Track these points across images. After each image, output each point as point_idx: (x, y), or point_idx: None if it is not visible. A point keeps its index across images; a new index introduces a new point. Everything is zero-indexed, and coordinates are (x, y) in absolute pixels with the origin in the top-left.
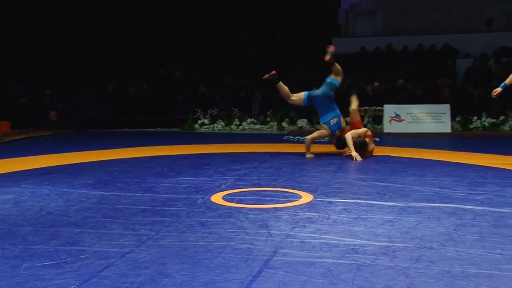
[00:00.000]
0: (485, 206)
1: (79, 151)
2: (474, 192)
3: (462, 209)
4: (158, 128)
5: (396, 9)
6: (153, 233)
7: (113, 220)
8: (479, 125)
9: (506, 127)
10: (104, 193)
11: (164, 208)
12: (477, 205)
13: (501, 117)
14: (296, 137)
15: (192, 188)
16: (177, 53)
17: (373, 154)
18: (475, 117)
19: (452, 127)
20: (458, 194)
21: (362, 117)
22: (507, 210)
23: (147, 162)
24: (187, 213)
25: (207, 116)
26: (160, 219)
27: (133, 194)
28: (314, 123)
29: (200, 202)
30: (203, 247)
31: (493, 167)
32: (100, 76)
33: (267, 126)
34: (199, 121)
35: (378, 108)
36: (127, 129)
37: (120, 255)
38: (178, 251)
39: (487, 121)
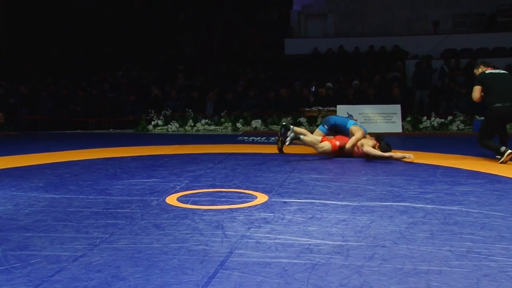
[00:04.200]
0: (435, 204)
1: (28, 153)
2: (424, 191)
3: (414, 207)
4: (111, 130)
5: (346, 12)
6: (107, 236)
7: (65, 223)
8: (428, 125)
9: (454, 127)
10: (55, 196)
11: (118, 210)
12: (428, 204)
13: (449, 117)
14: (251, 138)
15: (146, 190)
16: (124, 54)
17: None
18: (425, 117)
19: (402, 127)
20: (410, 193)
21: (316, 118)
22: (456, 207)
23: (100, 164)
24: (141, 215)
25: (160, 117)
26: (114, 221)
27: (86, 196)
28: (268, 123)
29: (154, 204)
30: (157, 249)
31: (442, 166)
32: (53, 78)
33: (221, 127)
34: (153, 122)
35: (331, 108)
36: (78, 131)
37: (72, 259)
38: (132, 253)
39: (436, 121)
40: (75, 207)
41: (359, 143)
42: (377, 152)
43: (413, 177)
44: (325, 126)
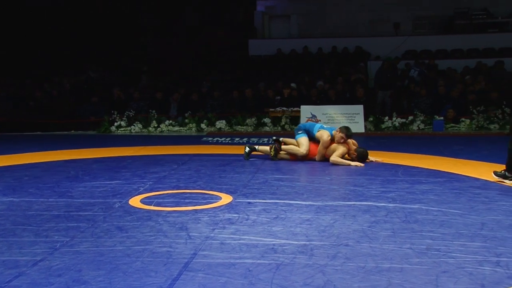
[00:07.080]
0: (397, 203)
1: None
2: (386, 190)
3: (376, 206)
4: (73, 131)
5: (310, 13)
6: (68, 239)
7: (24, 227)
8: (390, 125)
9: (414, 127)
10: (14, 199)
11: (80, 213)
12: (389, 202)
13: (410, 117)
14: (215, 139)
15: (109, 192)
16: (87, 55)
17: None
18: (387, 117)
19: (365, 127)
20: (372, 192)
21: (280, 118)
22: (416, 206)
23: (61, 166)
24: (104, 218)
25: (123, 118)
26: (75, 224)
27: (46, 199)
28: (233, 124)
29: (117, 206)
30: (120, 251)
31: (403, 165)
32: (12, 79)
33: (185, 128)
34: (116, 124)
35: (295, 109)
36: (38, 132)
37: (31, 263)
38: (94, 257)
39: (397, 121)
40: (35, 210)
41: (328, 151)
42: (344, 161)
43: (376, 177)
44: (300, 132)
